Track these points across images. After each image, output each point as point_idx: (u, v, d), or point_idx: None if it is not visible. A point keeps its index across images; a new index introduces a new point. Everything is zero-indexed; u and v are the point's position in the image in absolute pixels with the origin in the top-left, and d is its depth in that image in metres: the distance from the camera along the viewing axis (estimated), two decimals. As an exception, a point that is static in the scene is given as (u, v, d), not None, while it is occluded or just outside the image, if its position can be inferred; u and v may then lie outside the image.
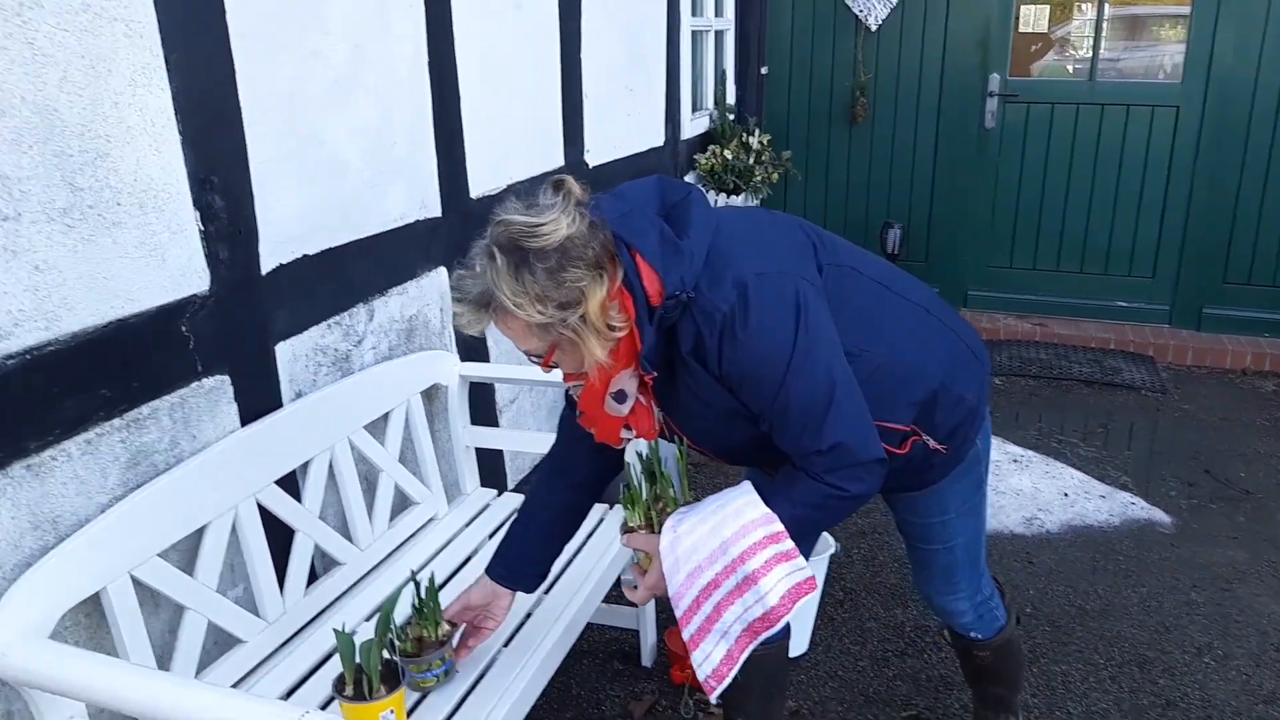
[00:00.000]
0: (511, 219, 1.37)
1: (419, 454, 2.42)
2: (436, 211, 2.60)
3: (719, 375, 1.48)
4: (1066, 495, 3.58)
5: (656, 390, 1.58)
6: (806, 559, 1.57)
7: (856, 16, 5.28)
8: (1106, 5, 5.21)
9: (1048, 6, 5.44)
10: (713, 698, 1.60)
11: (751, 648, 1.56)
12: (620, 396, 1.52)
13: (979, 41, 5.17)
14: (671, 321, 1.46)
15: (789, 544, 1.50)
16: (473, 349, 2.81)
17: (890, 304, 1.65)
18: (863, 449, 1.48)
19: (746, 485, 1.56)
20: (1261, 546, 3.30)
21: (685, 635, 1.56)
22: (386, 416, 2.31)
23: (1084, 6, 5.39)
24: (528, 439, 2.69)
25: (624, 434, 1.60)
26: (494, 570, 1.81)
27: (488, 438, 2.63)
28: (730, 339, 1.43)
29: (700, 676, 1.57)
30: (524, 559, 1.82)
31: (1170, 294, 5.24)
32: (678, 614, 1.55)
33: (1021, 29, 5.27)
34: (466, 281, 1.41)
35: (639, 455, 1.70)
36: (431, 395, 2.56)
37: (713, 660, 1.56)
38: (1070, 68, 5.61)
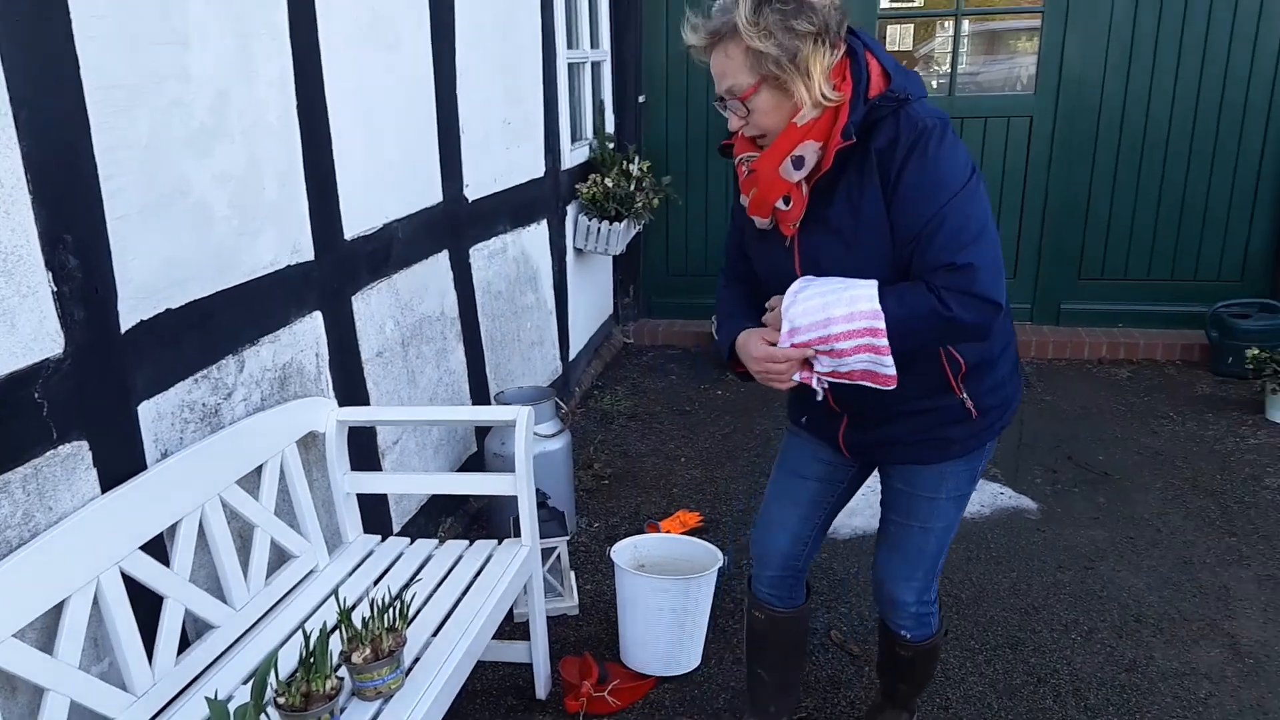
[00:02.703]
0: None
1: (296, 505, 2.38)
2: (309, 255, 2.57)
3: (894, 179, 1.65)
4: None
5: (811, 199, 1.74)
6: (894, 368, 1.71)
7: (727, 44, 5.42)
8: (965, 22, 5.47)
9: (912, 26, 5.70)
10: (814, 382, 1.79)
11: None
12: (799, 162, 1.68)
13: (845, 66, 5.36)
14: (877, 118, 1.66)
15: (884, 342, 1.67)
16: (352, 392, 2.78)
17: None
18: (988, 282, 1.64)
19: (872, 281, 1.69)
20: (1120, 524, 3.52)
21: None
22: (260, 469, 2.27)
23: (945, 24, 5.66)
24: (412, 481, 2.68)
25: (759, 223, 1.79)
26: (743, 328, 1.88)
27: (369, 483, 2.61)
28: (922, 150, 1.63)
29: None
30: (747, 313, 1.92)
31: (1031, 293, 5.54)
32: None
33: (889, 48, 5.50)
34: (711, 11, 1.67)
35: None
36: (308, 443, 2.53)
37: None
38: (934, 83, 5.88)
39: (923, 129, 1.64)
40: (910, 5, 5.88)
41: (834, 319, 1.68)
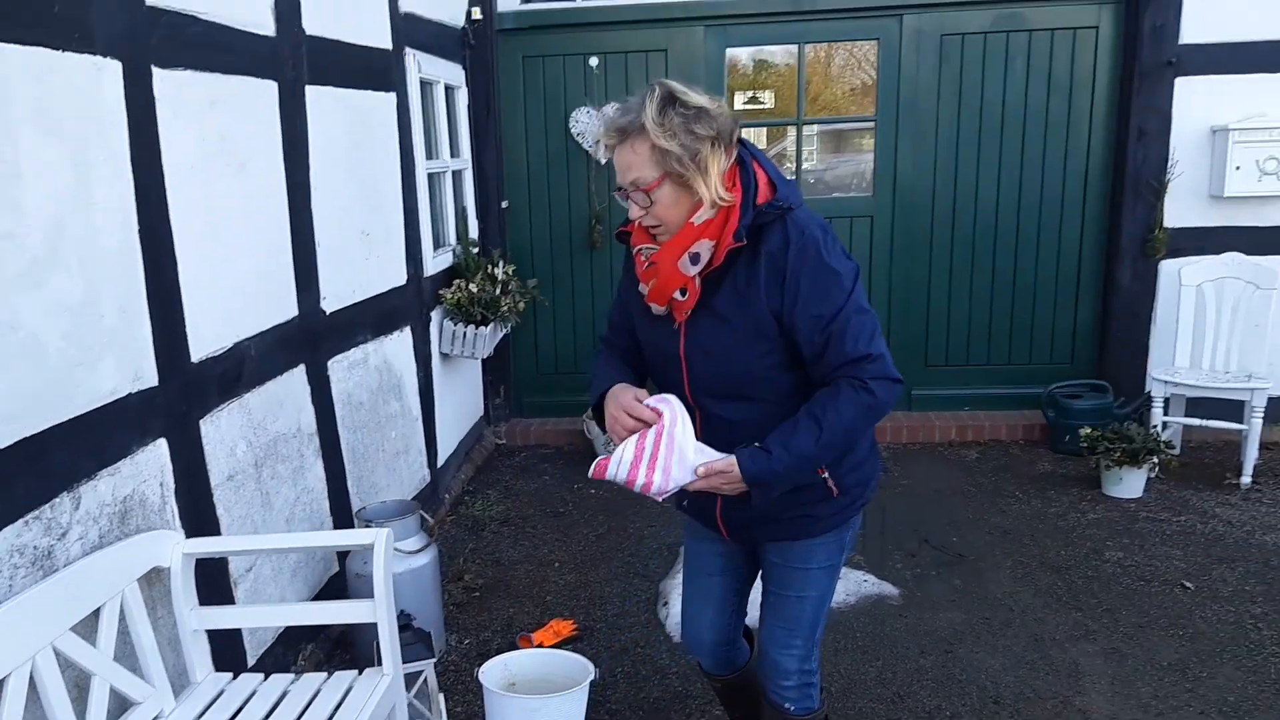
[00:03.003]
0: (675, 84, 1.83)
1: (139, 648, 2.26)
2: (153, 381, 2.49)
3: (789, 282, 1.84)
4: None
5: (701, 293, 1.92)
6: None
7: (586, 151, 5.60)
8: (805, 128, 5.81)
9: (764, 128, 5.99)
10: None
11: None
12: (695, 259, 1.86)
13: (699, 170, 5.60)
14: (763, 222, 1.86)
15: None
16: (201, 521, 2.67)
17: None
18: (893, 365, 1.89)
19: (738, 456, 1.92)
20: (975, 605, 3.66)
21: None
22: (99, 612, 2.15)
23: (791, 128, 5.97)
24: (264, 614, 2.57)
25: (654, 310, 1.96)
26: (609, 383, 2.06)
27: (219, 618, 2.49)
28: (815, 256, 1.84)
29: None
30: (626, 376, 2.10)
31: (885, 382, 5.78)
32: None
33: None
34: (618, 110, 1.86)
35: None
36: (153, 579, 2.41)
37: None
38: (787, 184, 6.17)
39: (811, 236, 1.86)
40: (761, 106, 6.20)
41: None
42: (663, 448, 1.91)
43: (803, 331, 1.86)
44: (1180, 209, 5.23)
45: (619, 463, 1.93)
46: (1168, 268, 5.26)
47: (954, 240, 5.59)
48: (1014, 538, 4.24)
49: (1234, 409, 4.84)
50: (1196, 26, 5.03)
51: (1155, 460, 4.59)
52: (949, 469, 5.15)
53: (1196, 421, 4.93)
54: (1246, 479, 4.71)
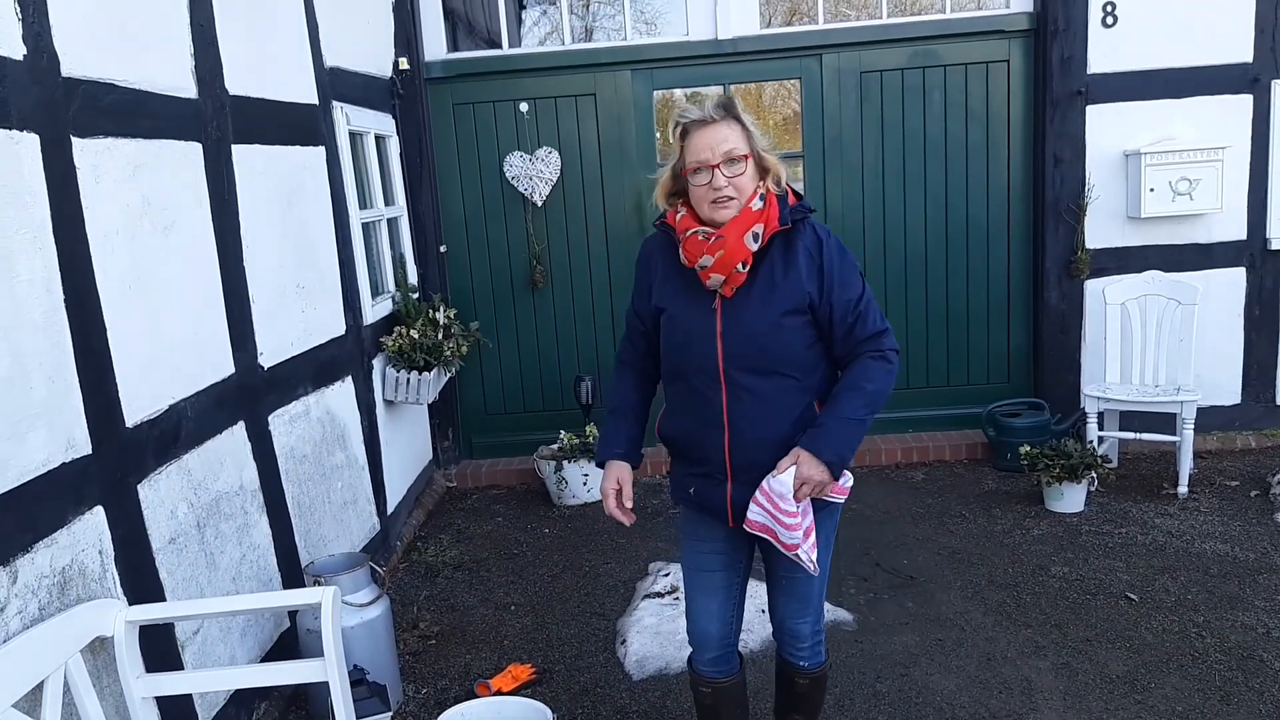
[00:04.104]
0: None
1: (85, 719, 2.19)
2: (86, 449, 2.44)
3: (826, 271, 2.24)
4: (763, 612, 3.81)
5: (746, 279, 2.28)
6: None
7: (523, 195, 5.64)
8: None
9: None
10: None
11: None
12: (755, 237, 2.22)
13: (635, 207, 5.69)
14: (794, 219, 2.26)
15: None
16: (144, 586, 2.61)
17: None
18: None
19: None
20: (928, 627, 3.70)
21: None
22: (42, 686, 2.09)
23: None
24: (212, 679, 2.52)
25: (713, 280, 2.25)
26: (614, 454, 2.47)
27: (167, 684, 2.44)
28: (841, 253, 2.28)
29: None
30: (633, 439, 2.50)
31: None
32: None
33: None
34: (709, 101, 2.28)
35: None
36: (97, 649, 2.35)
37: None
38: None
39: (834, 236, 2.30)
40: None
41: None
42: (777, 512, 2.28)
43: (838, 312, 2.25)
44: (1101, 230, 5.42)
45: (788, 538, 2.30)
46: (1093, 287, 5.44)
47: (887, 270, 5.72)
48: (962, 557, 4.31)
49: (1166, 421, 5.00)
50: (1103, 57, 5.26)
51: (1094, 474, 4.71)
52: (897, 491, 5.22)
53: (1131, 435, 5.08)
54: (1183, 489, 4.85)
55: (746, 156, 2.22)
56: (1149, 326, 5.06)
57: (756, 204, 2.24)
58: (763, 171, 2.27)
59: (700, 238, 2.23)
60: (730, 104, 2.25)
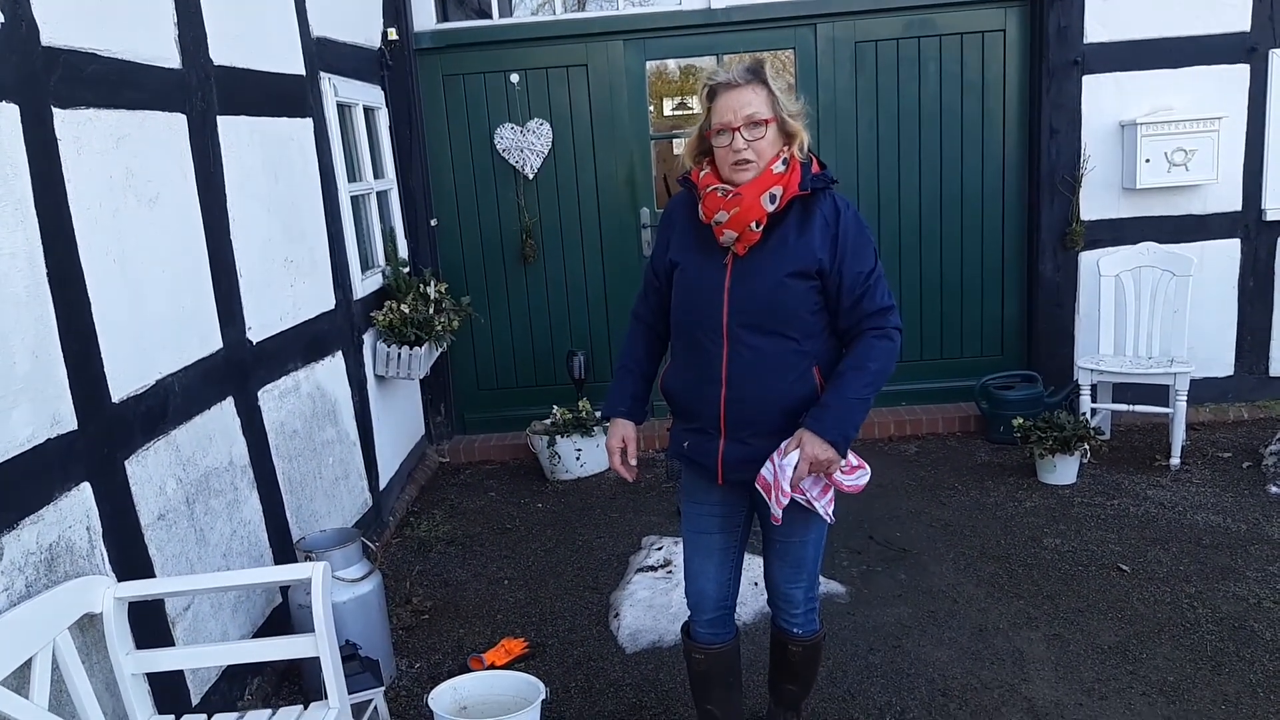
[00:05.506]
0: None
1: (75, 697, 2.19)
2: (72, 425, 2.41)
3: (842, 239, 2.28)
4: (756, 584, 3.82)
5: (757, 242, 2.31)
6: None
7: (514, 167, 5.58)
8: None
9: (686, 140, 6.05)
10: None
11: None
12: (772, 198, 2.25)
13: (626, 180, 5.64)
14: (815, 188, 2.28)
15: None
16: (133, 563, 2.60)
17: None
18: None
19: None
20: (921, 599, 3.71)
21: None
22: (30, 663, 2.07)
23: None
24: (203, 655, 2.51)
25: (726, 236, 2.29)
26: (618, 412, 2.54)
27: (157, 660, 2.42)
28: (858, 224, 2.32)
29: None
30: (637, 397, 2.55)
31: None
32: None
33: (675, 153, 5.79)
34: (737, 64, 2.31)
35: None
36: (85, 626, 2.33)
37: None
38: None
39: (852, 209, 2.34)
40: (690, 111, 6.25)
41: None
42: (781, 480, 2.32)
43: (847, 282, 2.28)
44: (1096, 202, 5.39)
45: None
46: (1087, 259, 5.42)
47: (880, 241, 5.67)
48: (955, 529, 4.31)
49: (1159, 393, 4.99)
50: (1100, 26, 5.20)
51: (1086, 446, 4.71)
52: (890, 464, 5.22)
53: (1124, 407, 5.08)
54: (1175, 460, 4.86)
55: (769, 121, 2.25)
56: (1143, 298, 5.05)
57: (778, 167, 2.27)
58: (788, 137, 2.30)
59: (719, 194, 2.28)
60: (759, 68, 2.28)
